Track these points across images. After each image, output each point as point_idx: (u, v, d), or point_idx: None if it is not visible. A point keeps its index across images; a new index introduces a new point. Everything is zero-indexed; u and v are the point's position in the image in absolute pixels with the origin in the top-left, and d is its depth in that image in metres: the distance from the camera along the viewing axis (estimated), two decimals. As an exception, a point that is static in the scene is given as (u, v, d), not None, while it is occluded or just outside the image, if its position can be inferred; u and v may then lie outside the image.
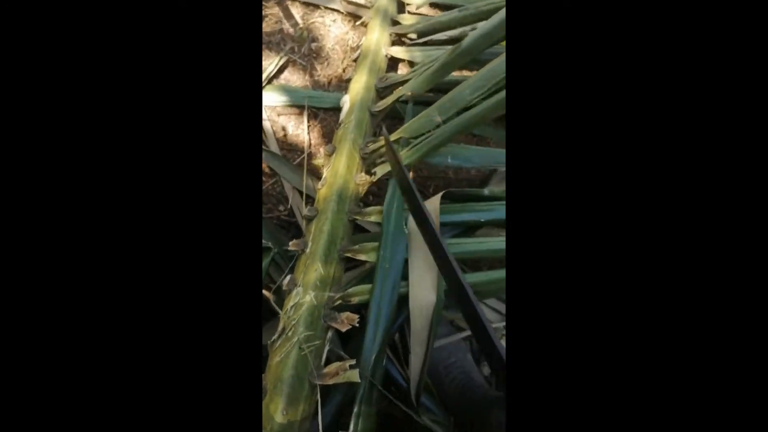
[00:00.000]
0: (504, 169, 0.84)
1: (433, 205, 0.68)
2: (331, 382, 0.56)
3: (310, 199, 0.83)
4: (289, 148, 0.94)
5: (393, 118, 0.95)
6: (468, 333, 0.75)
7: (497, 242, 0.68)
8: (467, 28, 0.93)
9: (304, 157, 0.90)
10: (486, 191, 0.76)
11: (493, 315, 0.78)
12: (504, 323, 0.75)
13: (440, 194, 0.70)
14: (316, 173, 0.88)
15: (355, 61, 1.01)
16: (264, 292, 0.65)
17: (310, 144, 0.94)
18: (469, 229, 0.72)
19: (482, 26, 0.83)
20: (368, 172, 0.77)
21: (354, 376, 0.55)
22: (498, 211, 0.71)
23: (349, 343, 0.67)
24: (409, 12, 1.13)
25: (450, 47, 0.85)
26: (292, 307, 0.61)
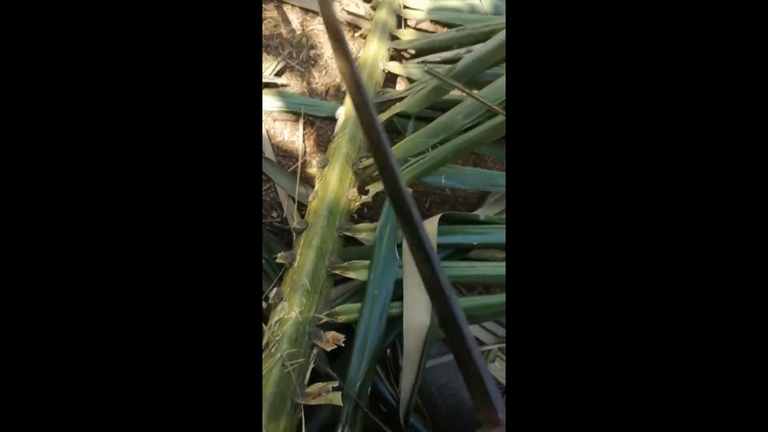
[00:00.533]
0: (498, 190, 0.85)
1: (431, 226, 0.68)
2: (313, 402, 0.55)
3: (303, 209, 0.83)
4: (284, 155, 0.93)
5: (390, 131, 0.95)
6: None
7: (490, 267, 0.69)
8: (462, 50, 0.94)
9: (298, 166, 0.90)
10: (482, 216, 0.76)
11: (488, 336, 0.77)
12: (497, 345, 0.75)
13: (438, 216, 0.70)
14: (310, 182, 0.87)
15: (353, 72, 1.01)
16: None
17: (305, 152, 0.93)
18: (460, 251, 0.73)
19: (478, 48, 0.84)
20: (361, 188, 0.76)
21: (336, 398, 0.54)
22: (491, 234, 0.72)
23: (337, 360, 0.66)
24: (408, 26, 1.13)
25: (447, 66, 0.86)
26: (276, 322, 0.60)
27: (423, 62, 0.98)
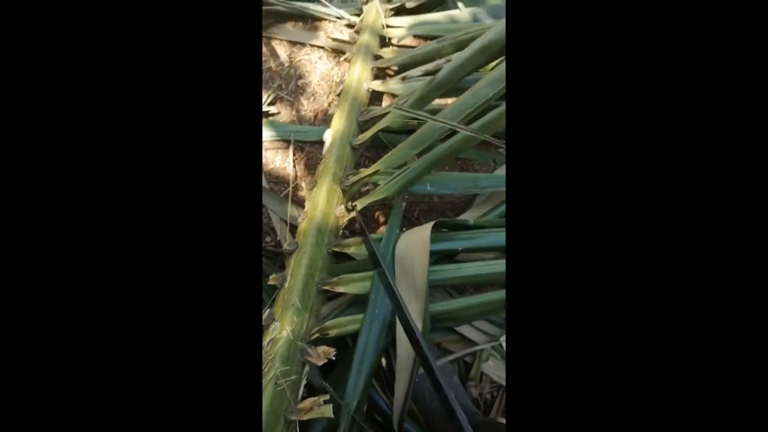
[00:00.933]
0: (484, 192, 0.85)
1: (423, 234, 0.69)
2: (305, 417, 0.56)
3: (295, 231, 0.85)
4: (276, 181, 0.96)
5: (377, 147, 0.97)
6: (455, 355, 0.75)
7: (478, 267, 0.69)
8: (442, 60, 0.96)
9: (289, 190, 0.93)
10: (470, 221, 0.77)
11: (480, 336, 0.77)
12: (490, 344, 0.74)
13: (431, 224, 0.71)
14: (302, 205, 0.90)
15: (339, 95, 1.04)
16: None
17: (296, 177, 0.96)
18: (446, 257, 0.73)
19: (457, 57, 0.86)
20: (348, 205, 0.78)
21: (328, 411, 0.55)
22: (479, 239, 0.72)
23: (332, 373, 0.67)
24: (392, 44, 1.16)
25: (427, 78, 0.88)
26: (269, 342, 0.62)
27: (405, 77, 1.00)
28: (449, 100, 1.00)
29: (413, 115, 0.76)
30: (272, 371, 0.59)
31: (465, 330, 0.75)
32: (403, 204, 0.80)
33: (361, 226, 0.68)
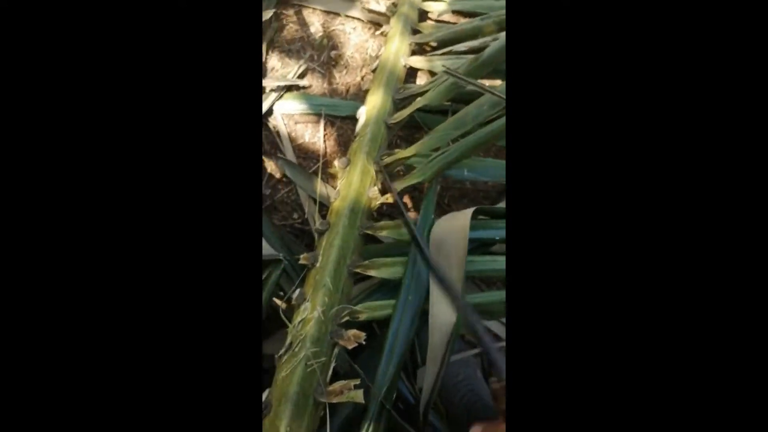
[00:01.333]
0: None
1: (462, 220, 0.67)
2: (335, 400, 0.55)
3: (324, 209, 0.84)
4: (305, 156, 0.94)
5: (412, 127, 0.94)
6: (479, 350, 0.74)
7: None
8: (488, 38, 0.91)
9: (319, 166, 0.91)
10: None
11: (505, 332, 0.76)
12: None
13: (470, 210, 0.69)
14: (332, 183, 0.88)
15: (374, 71, 1.01)
16: (276, 300, 0.65)
17: (326, 153, 0.94)
18: (483, 245, 0.71)
19: (504, 37, 0.81)
20: (383, 188, 0.76)
21: (358, 396, 0.54)
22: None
23: (360, 357, 0.66)
24: (430, 20, 1.11)
25: (471, 56, 0.83)
26: (300, 322, 0.61)
27: (449, 52, 0.96)
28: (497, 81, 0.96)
29: (466, 82, 0.72)
30: (303, 351, 0.58)
31: (492, 325, 0.73)
32: (438, 188, 0.78)
33: (401, 210, 0.65)
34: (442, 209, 0.89)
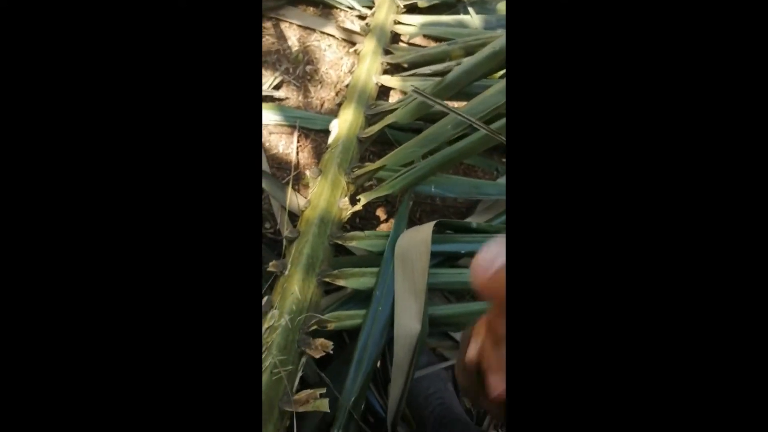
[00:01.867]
0: (488, 199, 0.86)
1: (424, 233, 0.69)
2: (301, 409, 0.55)
3: (295, 218, 0.84)
4: (279, 167, 0.95)
5: (381, 143, 0.97)
6: (450, 362, 0.75)
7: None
8: (453, 63, 0.96)
9: (290, 176, 0.91)
10: (473, 224, 0.77)
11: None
12: None
13: (432, 223, 0.71)
14: (304, 193, 0.88)
15: (347, 86, 1.03)
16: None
17: (299, 164, 0.95)
18: (449, 259, 0.73)
19: (467, 61, 0.86)
20: (353, 198, 0.78)
21: (324, 405, 0.54)
22: (480, 243, 0.72)
23: (329, 367, 0.66)
24: (402, 42, 1.16)
25: (437, 78, 0.87)
26: (266, 329, 0.61)
27: (414, 75, 1.00)
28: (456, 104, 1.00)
29: (433, 102, 0.75)
30: (269, 359, 0.58)
31: (459, 336, 0.75)
32: (410, 203, 0.80)
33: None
34: (414, 224, 0.91)
